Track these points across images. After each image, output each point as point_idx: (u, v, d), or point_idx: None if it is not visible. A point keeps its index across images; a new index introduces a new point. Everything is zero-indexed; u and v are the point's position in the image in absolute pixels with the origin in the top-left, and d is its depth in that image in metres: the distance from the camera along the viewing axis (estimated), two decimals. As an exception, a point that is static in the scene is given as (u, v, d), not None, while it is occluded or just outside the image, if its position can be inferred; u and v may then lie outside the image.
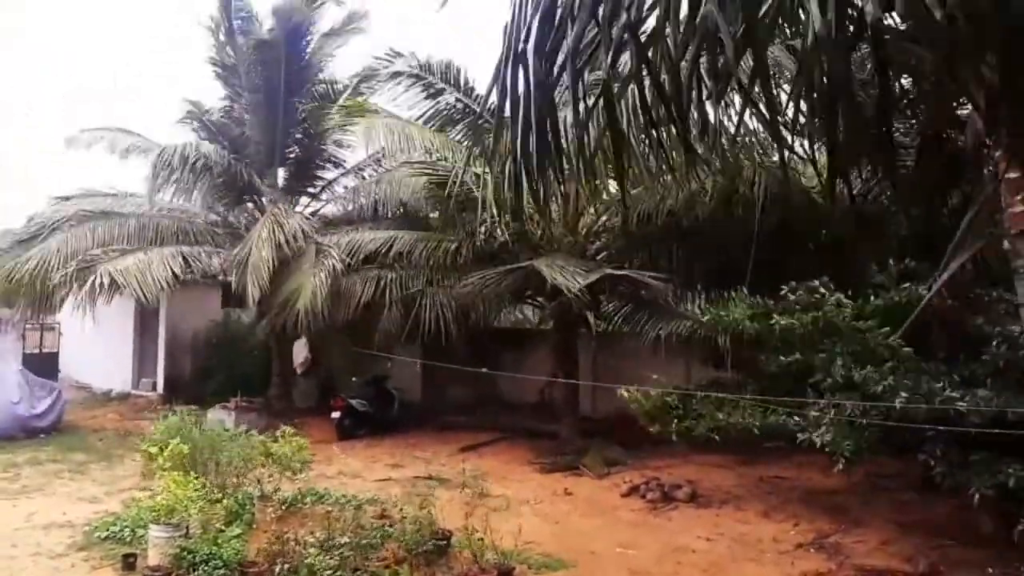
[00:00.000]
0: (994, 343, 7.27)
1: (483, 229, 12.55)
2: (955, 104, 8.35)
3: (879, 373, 7.49)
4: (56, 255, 13.90)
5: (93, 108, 36.50)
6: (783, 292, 8.86)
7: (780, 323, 8.59)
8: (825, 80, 3.24)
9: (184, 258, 14.11)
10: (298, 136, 16.46)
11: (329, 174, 17.06)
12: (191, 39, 27.12)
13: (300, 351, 16.35)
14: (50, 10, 46.45)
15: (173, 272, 13.53)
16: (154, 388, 17.64)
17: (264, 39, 15.78)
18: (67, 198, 16.46)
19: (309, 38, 16.19)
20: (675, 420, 9.30)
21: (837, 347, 8.11)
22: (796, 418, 8.22)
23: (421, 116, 13.40)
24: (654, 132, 4.24)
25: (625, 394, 9.89)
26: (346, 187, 17.15)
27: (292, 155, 16.58)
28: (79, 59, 44.87)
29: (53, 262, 13.76)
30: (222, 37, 16.19)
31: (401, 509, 7.24)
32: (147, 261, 13.49)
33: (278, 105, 15.76)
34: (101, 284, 12.65)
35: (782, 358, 8.54)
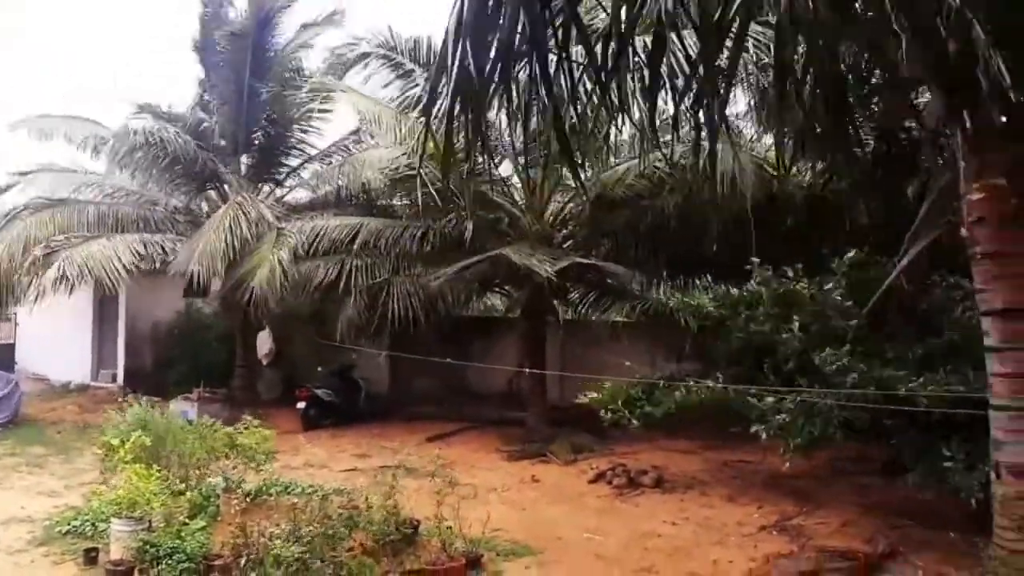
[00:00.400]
0: (957, 310, 7.40)
1: (450, 217, 12.51)
2: (912, 92, 8.52)
3: (835, 355, 7.60)
4: (17, 243, 13.64)
5: (93, 108, 35.68)
6: (747, 270, 9.03)
7: (746, 292, 8.70)
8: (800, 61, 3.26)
9: (146, 246, 13.91)
10: (263, 123, 16.24)
11: (294, 161, 16.85)
12: (191, 39, 26.55)
13: (264, 342, 16.16)
14: (50, 10, 45.32)
15: (138, 255, 13.44)
16: (114, 380, 17.33)
17: (233, 27, 15.53)
18: (25, 173, 16.08)
19: (279, 27, 15.91)
20: (637, 408, 9.36)
21: (796, 322, 8.22)
22: (752, 398, 8.30)
23: (393, 100, 13.16)
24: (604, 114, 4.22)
25: (585, 397, 9.94)
26: (312, 172, 16.96)
27: (257, 142, 16.33)
28: (79, 59, 43.83)
29: (13, 251, 13.50)
30: (201, 26, 15.98)
31: (368, 499, 7.20)
32: (111, 247, 13.32)
33: (243, 92, 15.51)
34: (66, 274, 12.50)
35: (752, 326, 8.62)
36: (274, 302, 12.76)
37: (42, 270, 12.90)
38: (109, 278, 12.94)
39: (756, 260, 8.91)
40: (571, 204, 13.31)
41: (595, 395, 9.74)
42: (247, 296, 12.49)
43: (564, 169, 12.88)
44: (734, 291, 9.34)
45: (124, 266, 13.08)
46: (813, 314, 8.28)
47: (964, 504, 6.92)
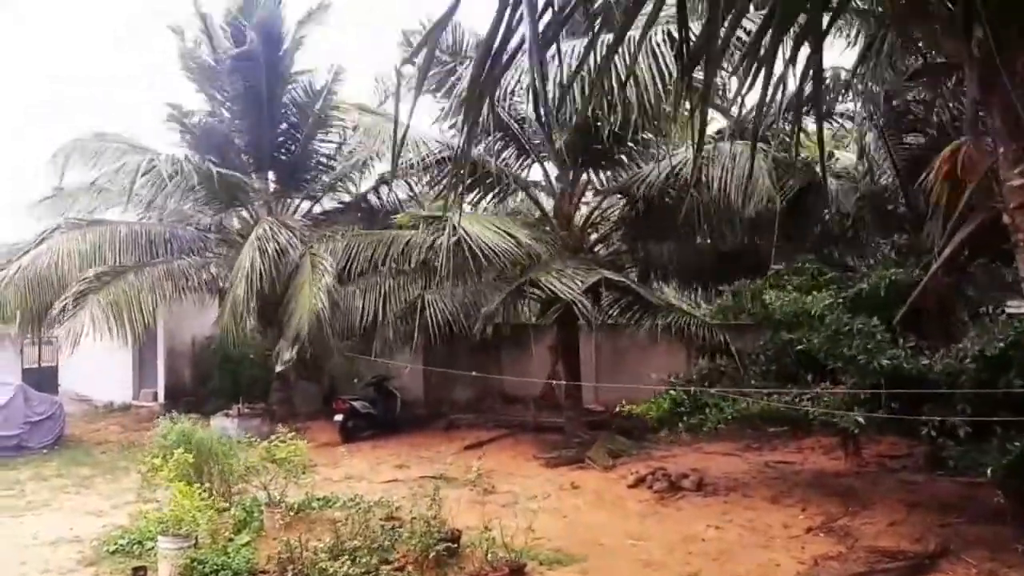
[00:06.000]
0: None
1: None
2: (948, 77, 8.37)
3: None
4: (49, 269, 13.86)
5: (88, 115, 36.39)
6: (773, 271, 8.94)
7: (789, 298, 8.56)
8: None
9: (175, 278, 14.45)
10: (285, 139, 16.29)
11: (319, 172, 16.92)
12: (179, 57, 26.97)
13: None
14: (45, 13, 46.34)
15: (164, 295, 14.08)
16: (155, 398, 17.59)
17: (244, 48, 15.50)
18: (62, 190, 15.95)
19: (284, 34, 15.78)
20: (684, 417, 9.22)
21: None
22: (807, 398, 8.15)
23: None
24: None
25: (630, 407, 9.86)
26: (340, 182, 16.96)
27: (282, 157, 16.37)
28: (73, 65, 44.75)
29: (45, 276, 13.78)
30: (200, 43, 15.97)
31: (410, 511, 7.21)
32: (138, 287, 13.72)
33: (262, 109, 15.52)
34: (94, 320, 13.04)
35: (808, 333, 8.43)
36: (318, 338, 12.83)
37: (72, 314, 13.14)
38: (133, 329, 13.54)
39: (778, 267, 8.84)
40: (602, 207, 13.27)
41: (635, 407, 9.66)
42: (297, 338, 12.59)
43: (592, 173, 12.92)
44: (769, 296, 9.14)
45: (146, 313, 13.64)
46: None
47: (1015, 497, 6.77)
